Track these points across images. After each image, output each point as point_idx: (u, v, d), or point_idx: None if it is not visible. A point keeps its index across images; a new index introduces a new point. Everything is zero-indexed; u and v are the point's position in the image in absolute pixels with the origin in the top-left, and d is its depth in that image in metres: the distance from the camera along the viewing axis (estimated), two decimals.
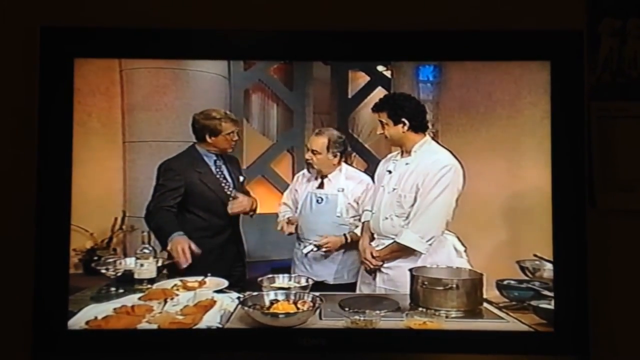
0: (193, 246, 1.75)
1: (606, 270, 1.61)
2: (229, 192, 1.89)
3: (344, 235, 1.92)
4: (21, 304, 1.51)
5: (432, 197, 1.72)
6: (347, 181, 1.95)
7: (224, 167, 1.91)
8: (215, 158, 1.90)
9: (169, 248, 1.74)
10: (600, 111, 1.64)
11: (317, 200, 1.94)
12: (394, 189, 1.79)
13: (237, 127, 1.88)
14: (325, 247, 1.90)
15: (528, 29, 1.56)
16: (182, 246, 1.74)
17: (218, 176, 1.89)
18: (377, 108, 1.79)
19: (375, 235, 1.83)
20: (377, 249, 1.80)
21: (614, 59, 1.65)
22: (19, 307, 1.52)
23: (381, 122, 1.78)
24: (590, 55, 1.64)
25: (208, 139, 1.86)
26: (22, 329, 1.49)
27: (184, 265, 1.73)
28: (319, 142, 1.92)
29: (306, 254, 1.92)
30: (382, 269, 1.79)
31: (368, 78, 2.12)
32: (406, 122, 1.75)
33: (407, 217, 1.75)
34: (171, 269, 1.75)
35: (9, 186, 1.61)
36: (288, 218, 1.97)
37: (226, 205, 1.87)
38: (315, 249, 1.91)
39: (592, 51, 1.65)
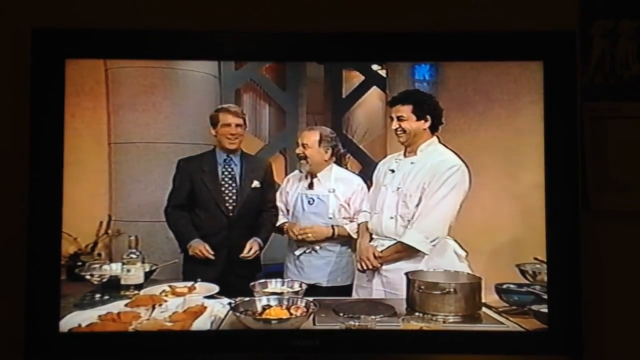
0: (208, 248, 1.81)
1: (600, 270, 1.63)
2: (226, 192, 1.83)
3: (332, 226, 1.89)
4: (13, 305, 1.49)
5: (439, 198, 1.69)
6: (337, 182, 1.93)
7: (236, 168, 1.86)
8: (225, 157, 1.86)
9: (190, 253, 1.81)
10: (593, 112, 1.65)
11: (309, 202, 1.91)
12: (398, 188, 1.76)
13: (238, 120, 1.82)
14: (307, 236, 1.87)
15: (521, 29, 1.57)
16: (200, 248, 1.81)
17: (223, 176, 1.84)
18: (399, 101, 1.76)
19: (375, 236, 1.81)
20: (379, 249, 1.77)
21: (606, 60, 1.67)
22: (11, 309, 1.51)
23: (400, 116, 1.75)
24: (583, 56, 1.66)
25: (212, 132, 1.84)
26: (14, 331, 1.47)
27: (211, 257, 1.81)
28: (311, 137, 1.90)
29: (298, 256, 1.89)
30: (382, 272, 1.77)
31: (362, 77, 2.09)
32: (429, 119, 1.74)
33: (411, 217, 1.72)
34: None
35: (0, 187, 1.60)
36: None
37: (219, 205, 1.82)
38: (307, 250, 1.87)
39: (584, 52, 1.67)
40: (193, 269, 1.79)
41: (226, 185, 1.84)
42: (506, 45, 1.55)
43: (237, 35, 1.59)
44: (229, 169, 1.85)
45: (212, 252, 1.79)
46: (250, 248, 1.83)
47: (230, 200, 1.83)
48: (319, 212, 1.91)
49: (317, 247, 1.90)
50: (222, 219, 1.82)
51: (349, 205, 1.91)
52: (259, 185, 1.86)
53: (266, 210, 1.89)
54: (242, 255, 1.81)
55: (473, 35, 1.56)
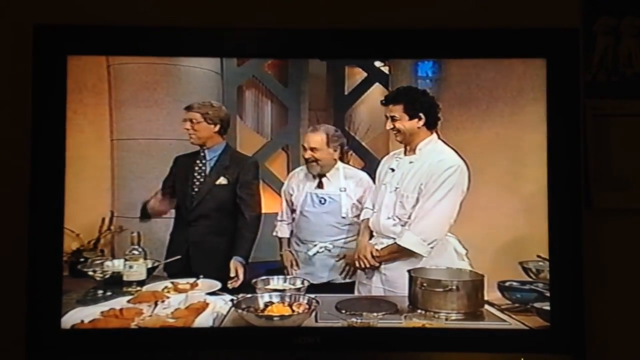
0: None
1: (602, 268, 1.64)
2: (192, 187, 1.82)
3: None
4: (14, 302, 1.51)
5: (436, 200, 1.67)
6: (347, 180, 1.90)
7: (208, 164, 1.84)
8: (200, 152, 1.85)
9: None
10: (596, 109, 1.66)
11: (320, 201, 1.89)
12: (397, 188, 1.75)
13: (189, 115, 1.79)
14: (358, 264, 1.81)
15: (524, 26, 1.58)
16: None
17: (192, 170, 1.82)
18: (390, 101, 1.72)
19: (375, 234, 1.80)
20: (377, 247, 1.76)
21: (609, 57, 1.68)
22: (13, 305, 1.53)
23: (393, 116, 1.71)
24: (586, 54, 1.67)
25: None
26: (16, 328, 1.48)
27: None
28: (317, 138, 1.87)
29: (312, 256, 1.87)
30: (381, 270, 1.76)
31: (365, 74, 2.08)
32: (423, 117, 1.70)
33: (408, 218, 1.71)
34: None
35: (1, 184, 1.62)
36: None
37: (185, 200, 1.80)
38: (321, 249, 1.86)
39: (587, 49, 1.67)
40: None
41: (194, 180, 1.82)
42: (509, 43, 1.56)
43: (240, 31, 1.60)
44: (200, 164, 1.84)
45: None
46: (235, 271, 1.75)
47: (195, 196, 1.81)
48: (331, 211, 1.88)
49: (330, 246, 1.87)
50: (183, 214, 1.80)
51: (360, 203, 1.89)
52: (225, 182, 1.82)
53: (241, 212, 1.83)
54: (229, 284, 1.73)
55: (476, 32, 1.57)
